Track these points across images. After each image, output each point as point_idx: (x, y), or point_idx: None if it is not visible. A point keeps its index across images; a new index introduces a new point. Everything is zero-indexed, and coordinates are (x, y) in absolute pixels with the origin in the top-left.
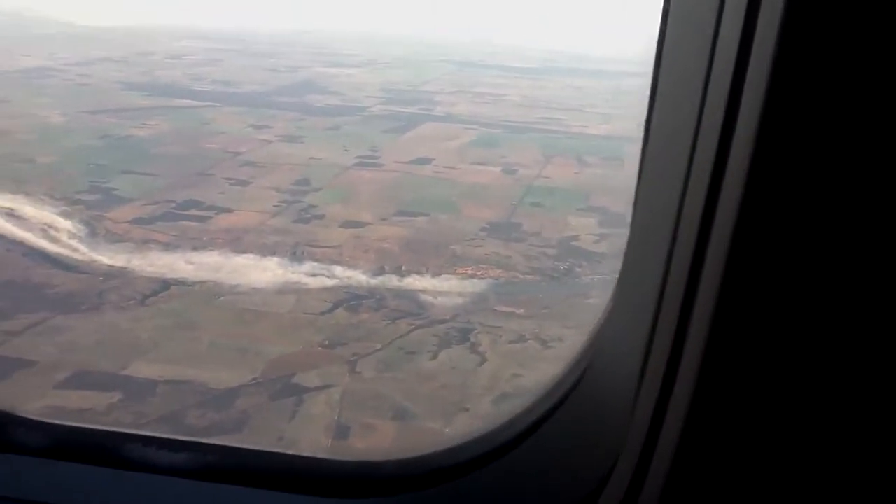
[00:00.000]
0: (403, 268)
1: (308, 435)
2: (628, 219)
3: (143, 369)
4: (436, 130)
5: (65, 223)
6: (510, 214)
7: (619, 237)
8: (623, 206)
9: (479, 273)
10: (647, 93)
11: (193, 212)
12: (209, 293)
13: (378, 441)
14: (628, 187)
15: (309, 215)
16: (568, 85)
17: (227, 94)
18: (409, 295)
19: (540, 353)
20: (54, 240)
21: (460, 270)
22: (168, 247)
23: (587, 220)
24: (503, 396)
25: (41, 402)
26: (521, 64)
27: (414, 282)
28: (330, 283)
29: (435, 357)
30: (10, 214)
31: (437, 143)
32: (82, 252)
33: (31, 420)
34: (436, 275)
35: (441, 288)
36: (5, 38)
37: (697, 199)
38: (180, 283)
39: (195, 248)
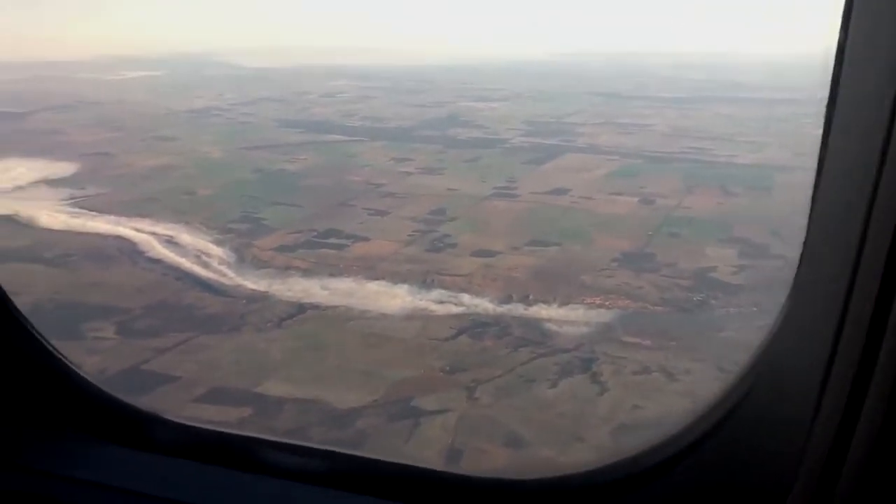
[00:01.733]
0: (531, 296)
1: (421, 456)
2: (772, 250)
3: (273, 387)
4: (575, 161)
5: (216, 250)
6: (644, 245)
7: (761, 269)
8: (767, 236)
9: (607, 303)
10: (802, 121)
11: (333, 240)
12: (340, 317)
13: (489, 466)
14: (774, 217)
15: (442, 244)
16: (718, 113)
17: (374, 130)
18: (534, 324)
19: (664, 386)
20: (206, 265)
21: (588, 300)
22: (307, 273)
23: (727, 252)
24: (621, 428)
25: (180, 414)
26: (669, 94)
27: (540, 311)
28: (456, 310)
29: (554, 385)
30: (170, 241)
31: (575, 174)
32: (230, 277)
33: (175, 422)
34: (563, 304)
35: (567, 317)
36: (182, 81)
37: (891, 204)
38: (315, 307)
39: (331, 275)
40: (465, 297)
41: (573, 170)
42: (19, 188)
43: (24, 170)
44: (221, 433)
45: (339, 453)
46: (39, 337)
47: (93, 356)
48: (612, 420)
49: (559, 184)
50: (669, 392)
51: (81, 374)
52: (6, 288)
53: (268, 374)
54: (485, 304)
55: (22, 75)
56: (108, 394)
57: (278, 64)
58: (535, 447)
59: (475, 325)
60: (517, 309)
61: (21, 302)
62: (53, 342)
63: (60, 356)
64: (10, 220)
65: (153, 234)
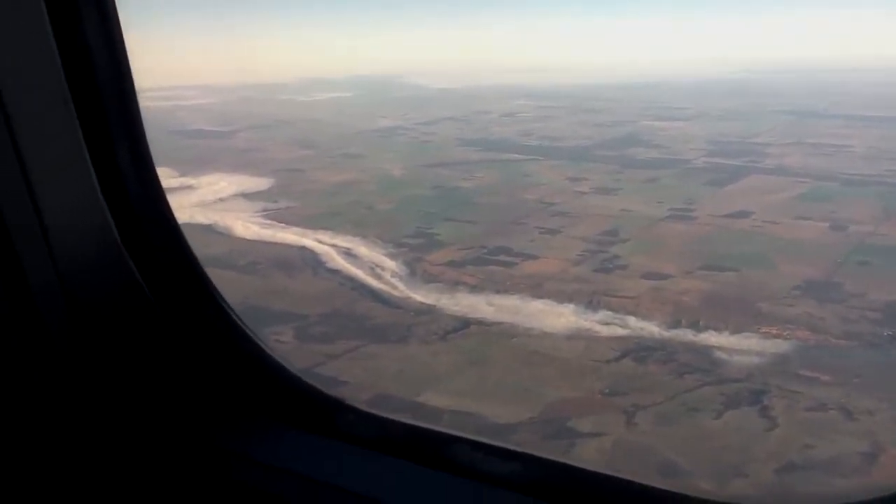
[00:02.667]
0: (701, 322)
1: None
2: None
3: (434, 398)
4: (761, 183)
5: (390, 263)
6: (831, 273)
7: None
8: None
9: (784, 333)
10: None
11: (502, 257)
12: (504, 334)
13: None
14: None
15: (611, 265)
16: None
17: (551, 149)
18: (703, 350)
19: (841, 425)
20: (379, 277)
21: (763, 329)
22: (474, 289)
23: None
24: (789, 467)
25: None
26: (870, 112)
27: (710, 337)
28: (621, 332)
29: (719, 416)
30: (348, 253)
31: (759, 197)
32: (400, 289)
33: (361, 410)
34: (735, 332)
35: (739, 346)
36: (370, 102)
37: None
38: (479, 322)
39: (498, 291)
40: (632, 320)
41: (758, 192)
42: (220, 200)
43: (225, 183)
44: (415, 427)
45: (543, 459)
46: (239, 321)
47: None
48: (780, 458)
49: (741, 206)
50: (846, 433)
51: (279, 360)
52: None
53: (429, 384)
54: (651, 328)
55: (230, 97)
56: (305, 381)
57: (461, 84)
58: (692, 478)
59: (640, 349)
60: (685, 335)
61: None
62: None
63: (259, 341)
64: (210, 230)
65: (333, 245)
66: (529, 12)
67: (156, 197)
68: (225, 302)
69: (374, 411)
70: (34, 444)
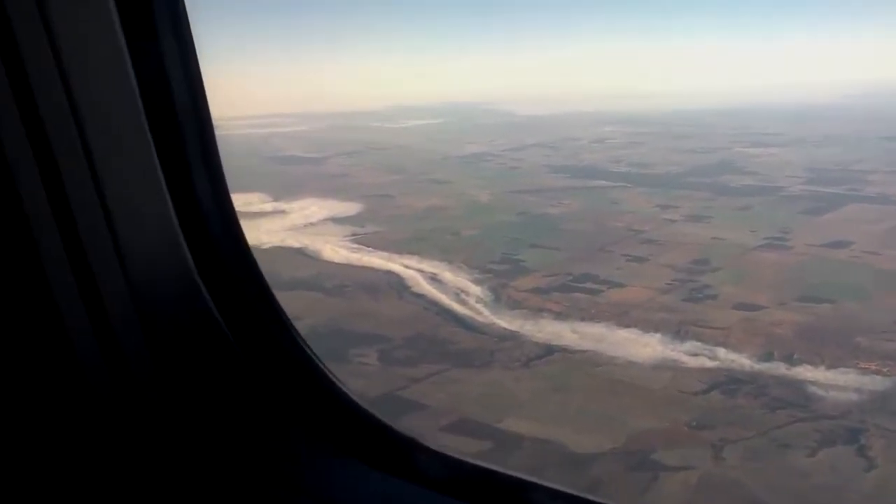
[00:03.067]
0: (795, 356)
1: None
2: None
3: (515, 424)
4: (861, 212)
5: (475, 289)
6: None
7: None
8: None
9: (884, 370)
10: None
11: (588, 285)
12: (587, 362)
13: None
14: None
15: (701, 295)
16: None
17: (640, 176)
18: (796, 385)
19: None
20: (463, 302)
21: (862, 364)
22: (559, 316)
23: None
24: None
25: (426, 442)
26: None
27: (804, 372)
28: (710, 364)
29: (813, 454)
30: (433, 278)
31: (859, 226)
32: (484, 315)
33: (433, 450)
34: (831, 367)
35: (835, 381)
36: (459, 129)
37: None
38: (563, 350)
39: (583, 319)
40: (721, 352)
41: (857, 221)
42: (311, 224)
43: (316, 208)
44: (489, 470)
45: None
46: (312, 355)
47: (356, 379)
48: (878, 501)
49: (839, 236)
50: None
51: (351, 395)
52: (290, 312)
53: (511, 410)
54: (742, 361)
55: (323, 125)
56: (377, 418)
57: (551, 111)
58: None
59: (729, 382)
60: (778, 368)
61: (301, 325)
62: (325, 363)
63: (332, 376)
64: (300, 253)
65: (419, 270)
66: (622, 38)
67: (232, 228)
68: (299, 335)
69: (446, 451)
70: (112, 471)
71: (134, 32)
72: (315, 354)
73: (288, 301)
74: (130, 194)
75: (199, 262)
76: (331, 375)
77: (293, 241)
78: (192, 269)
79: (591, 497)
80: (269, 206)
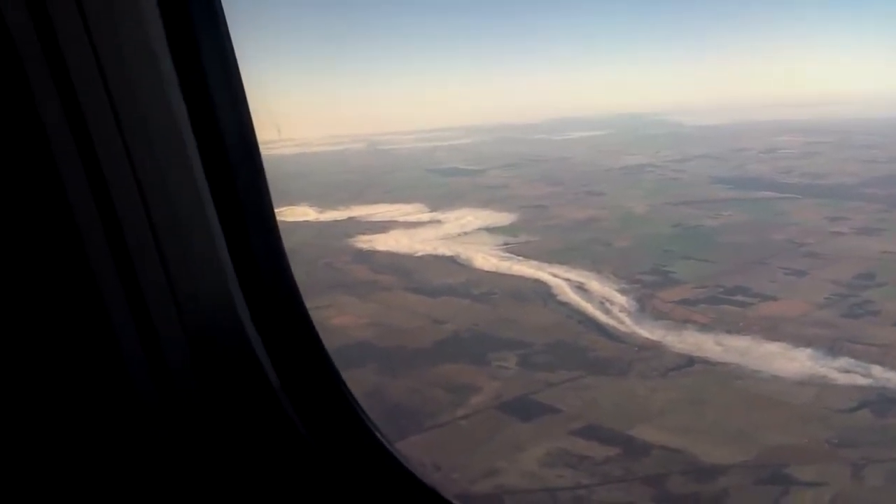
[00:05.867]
0: None
1: None
2: None
3: (645, 432)
4: None
5: (620, 298)
6: None
7: None
8: None
9: None
10: None
11: (738, 297)
12: (728, 375)
13: None
14: None
15: (862, 311)
16: None
17: (811, 187)
18: None
19: None
20: (607, 311)
21: None
22: (703, 327)
23: None
24: None
25: (554, 444)
26: None
27: None
28: (862, 381)
29: None
30: (580, 287)
31: None
32: (626, 325)
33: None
34: None
35: None
36: (622, 141)
37: None
38: (704, 361)
39: (729, 332)
40: (877, 370)
41: None
42: (465, 234)
43: (471, 218)
44: None
45: None
46: (364, 416)
47: (493, 382)
48: None
49: None
50: None
51: (393, 451)
52: (436, 317)
53: (643, 419)
54: None
55: (485, 137)
56: (412, 471)
57: (723, 121)
58: None
59: (882, 401)
60: None
61: (444, 329)
62: (465, 365)
63: (388, 444)
64: (452, 261)
65: (567, 279)
66: (804, 42)
67: (286, 281)
68: (352, 396)
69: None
70: (148, 494)
71: (181, 60)
72: (362, 408)
73: (435, 307)
74: (188, 241)
75: (251, 302)
76: (384, 440)
77: (445, 250)
78: (248, 319)
79: None
80: (425, 217)
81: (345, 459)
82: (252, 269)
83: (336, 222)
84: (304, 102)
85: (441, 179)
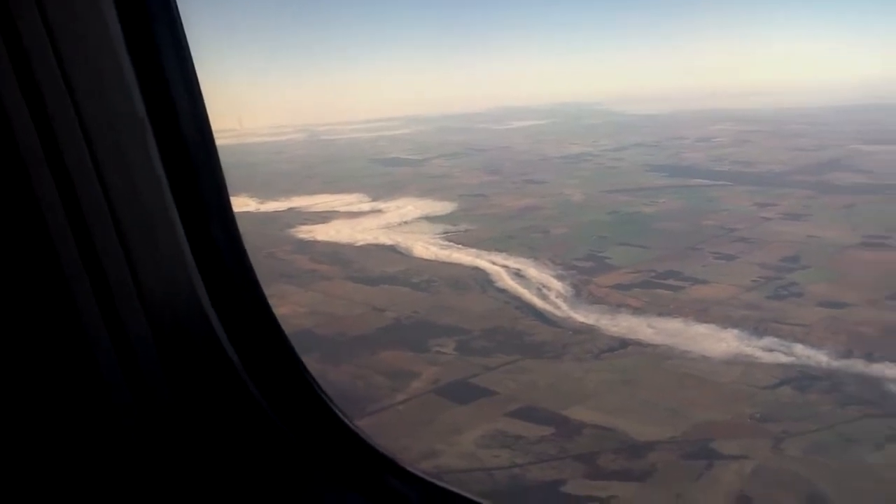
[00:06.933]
0: (876, 354)
1: (707, 497)
2: None
3: (579, 413)
4: None
5: (557, 284)
6: None
7: None
8: None
9: None
10: None
11: (670, 281)
12: (660, 356)
13: None
14: None
15: (786, 292)
16: None
17: (742, 174)
18: (873, 382)
19: None
20: (544, 297)
21: None
22: (637, 311)
23: None
24: None
25: (491, 425)
26: None
27: (884, 369)
28: (785, 360)
29: (878, 449)
30: (518, 274)
31: None
32: (563, 309)
33: (436, 485)
34: None
35: None
36: (563, 130)
37: None
38: (636, 343)
39: (660, 315)
40: (798, 348)
41: None
42: (405, 223)
43: (412, 207)
44: (450, 492)
45: None
46: (319, 389)
47: (432, 367)
48: None
49: None
50: None
51: (358, 430)
52: (376, 305)
53: (577, 400)
54: (819, 357)
55: (428, 127)
56: (380, 450)
57: (660, 110)
58: None
59: (802, 377)
60: (856, 365)
61: (385, 317)
62: (405, 352)
63: (336, 409)
64: (392, 249)
65: (505, 266)
66: (739, 32)
67: (241, 258)
68: (305, 369)
69: (447, 486)
70: (124, 489)
71: (138, 55)
72: (322, 389)
73: (375, 295)
74: (148, 229)
75: (212, 292)
76: (334, 407)
77: (386, 239)
78: (207, 300)
79: None
80: (367, 206)
81: (306, 435)
82: (212, 257)
83: (277, 213)
84: (245, 93)
85: (382, 169)
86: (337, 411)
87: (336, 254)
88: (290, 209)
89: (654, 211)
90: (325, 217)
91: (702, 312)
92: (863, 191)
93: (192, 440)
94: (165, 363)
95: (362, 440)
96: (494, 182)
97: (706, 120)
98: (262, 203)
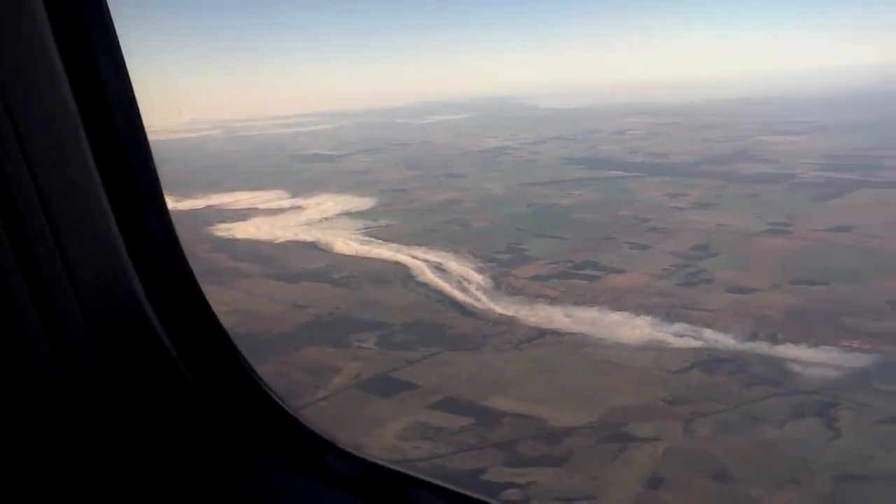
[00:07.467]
0: (779, 335)
1: (621, 479)
2: None
3: (499, 402)
4: (870, 197)
5: (477, 277)
6: None
7: None
8: None
9: (865, 347)
10: None
11: (587, 271)
12: (576, 344)
13: (688, 497)
14: None
15: (697, 279)
16: None
17: (655, 165)
18: (777, 363)
19: None
20: (464, 290)
21: (844, 342)
22: (554, 301)
23: None
24: (846, 477)
25: (412, 417)
26: None
27: (786, 350)
28: (695, 344)
29: (781, 426)
30: (438, 268)
31: (865, 211)
32: (483, 301)
33: (355, 456)
34: (814, 345)
35: (816, 359)
36: (482, 124)
37: None
38: (554, 333)
39: (577, 304)
40: (708, 332)
41: (864, 206)
42: (326, 219)
43: (332, 203)
44: (406, 475)
45: None
46: (250, 369)
47: (354, 362)
48: (839, 468)
49: (844, 221)
50: None
51: (278, 399)
52: (297, 302)
53: (497, 389)
54: (727, 340)
55: (349, 122)
56: (302, 422)
57: (577, 104)
58: (742, 485)
59: (711, 360)
60: (761, 347)
61: (306, 314)
62: (327, 348)
63: (267, 388)
64: (312, 246)
65: (426, 260)
66: (654, 29)
67: (175, 250)
68: (239, 353)
69: (365, 456)
70: (63, 480)
71: (69, 52)
72: (256, 373)
73: (296, 292)
74: (80, 223)
75: (147, 284)
76: (264, 386)
77: (306, 236)
78: (139, 287)
79: (471, 493)
80: (286, 203)
81: (243, 419)
82: (146, 248)
83: (195, 211)
84: (161, 89)
85: (302, 165)
86: (274, 396)
87: (256, 251)
88: (209, 207)
89: (571, 203)
90: (244, 214)
91: (616, 301)
92: (766, 180)
93: (130, 428)
94: (101, 354)
95: (299, 422)
96: (415, 177)
97: (621, 113)
98: (179, 201)
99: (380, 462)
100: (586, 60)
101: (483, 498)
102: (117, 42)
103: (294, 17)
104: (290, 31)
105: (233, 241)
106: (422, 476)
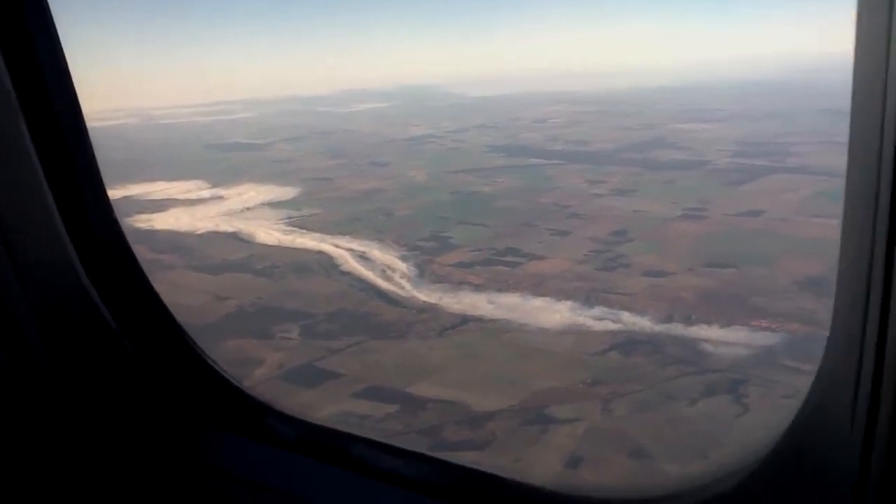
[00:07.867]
0: (693, 317)
1: (542, 459)
2: None
3: (423, 389)
4: (779, 183)
5: (401, 265)
6: (835, 269)
7: None
8: None
9: (774, 326)
10: None
11: (509, 258)
12: (499, 330)
13: (606, 475)
14: None
15: (615, 264)
16: None
17: (575, 153)
18: (690, 343)
19: None
20: (388, 278)
21: (754, 322)
22: (477, 288)
23: None
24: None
25: (337, 407)
26: None
27: (699, 331)
28: (613, 327)
29: (693, 404)
30: (362, 256)
31: (775, 196)
32: (406, 290)
33: (292, 416)
34: (725, 325)
35: (726, 338)
36: (405, 113)
37: None
38: (477, 319)
39: (500, 290)
40: (625, 315)
41: (774, 191)
42: (247, 209)
43: (254, 193)
44: (344, 434)
45: (456, 465)
46: (189, 339)
47: (277, 353)
48: (745, 440)
49: (755, 205)
50: None
51: (218, 368)
52: (219, 294)
53: (421, 376)
54: (643, 323)
55: (270, 110)
56: (241, 388)
57: (498, 92)
58: (657, 461)
59: (628, 342)
60: (676, 328)
61: (228, 305)
62: (249, 339)
63: (206, 357)
64: (234, 237)
65: (349, 250)
66: (571, 18)
67: (112, 226)
68: (178, 324)
69: (303, 417)
70: (11, 455)
71: (4, 34)
72: (196, 343)
73: (218, 283)
74: (19, 203)
75: (85, 262)
76: (203, 355)
77: (227, 226)
78: (80, 270)
79: (405, 446)
80: (206, 193)
81: (185, 388)
82: (85, 229)
83: (112, 202)
84: (78, 76)
85: (222, 154)
86: (215, 365)
87: (176, 243)
88: (126, 198)
89: (493, 190)
90: (162, 205)
91: (538, 286)
92: (681, 167)
93: (75, 402)
94: (44, 330)
95: (238, 387)
96: (339, 165)
97: (542, 101)
98: None
99: (319, 423)
100: (510, 49)
101: (420, 451)
102: (53, 25)
103: (217, 2)
104: (214, 18)
105: (152, 233)
106: (360, 434)
